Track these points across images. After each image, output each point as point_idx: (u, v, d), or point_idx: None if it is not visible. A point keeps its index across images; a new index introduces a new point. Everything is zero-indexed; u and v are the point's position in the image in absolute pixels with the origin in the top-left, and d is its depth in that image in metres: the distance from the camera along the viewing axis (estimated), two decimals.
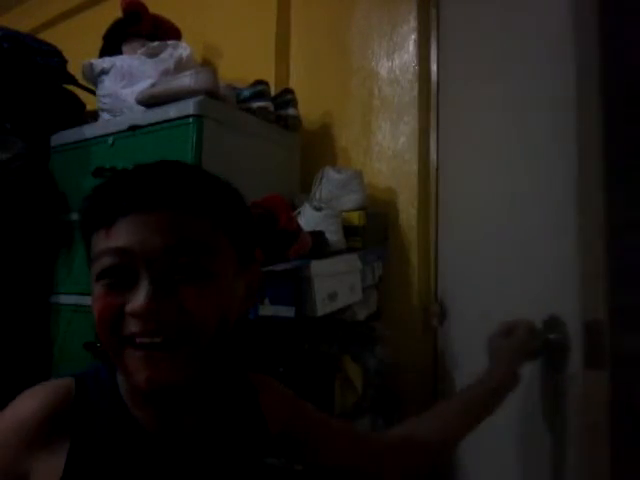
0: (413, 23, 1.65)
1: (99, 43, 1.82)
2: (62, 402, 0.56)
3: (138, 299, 0.51)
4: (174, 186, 0.55)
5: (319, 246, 1.31)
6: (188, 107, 1.33)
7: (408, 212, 1.61)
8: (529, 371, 0.88)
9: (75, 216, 1.48)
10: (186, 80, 1.38)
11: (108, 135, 1.49)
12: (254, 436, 0.66)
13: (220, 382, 0.65)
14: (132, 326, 0.52)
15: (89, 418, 0.56)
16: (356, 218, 1.50)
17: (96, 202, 0.56)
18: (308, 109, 1.78)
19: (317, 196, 1.58)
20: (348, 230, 1.46)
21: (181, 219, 0.54)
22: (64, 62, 1.79)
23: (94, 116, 1.67)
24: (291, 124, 1.66)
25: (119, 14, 1.78)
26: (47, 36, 2.06)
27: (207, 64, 1.95)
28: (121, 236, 0.52)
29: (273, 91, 1.66)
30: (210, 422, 0.62)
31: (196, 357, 0.55)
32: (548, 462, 0.88)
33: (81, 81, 1.73)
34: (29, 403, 0.55)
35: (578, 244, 0.76)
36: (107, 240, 0.53)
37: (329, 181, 1.57)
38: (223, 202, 0.58)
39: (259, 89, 1.55)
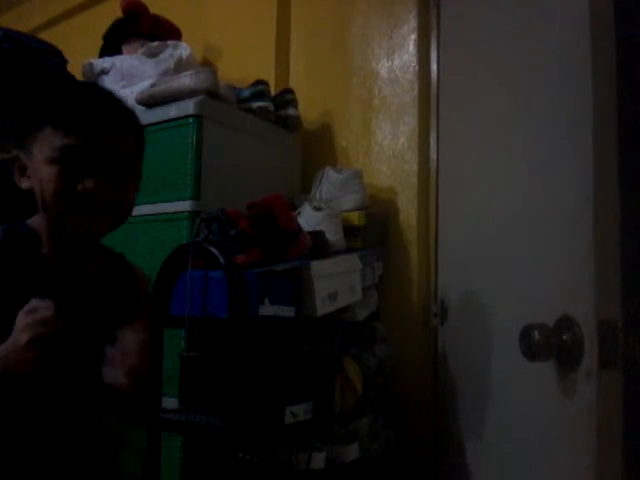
0: (413, 23, 1.65)
1: (99, 43, 1.82)
2: None
3: (89, 183, 0.75)
4: (116, 112, 0.80)
5: (319, 246, 1.31)
6: (188, 107, 1.33)
7: (408, 212, 1.61)
8: (542, 371, 0.88)
9: None
10: (186, 80, 1.38)
11: None
12: (128, 288, 0.90)
13: (108, 251, 0.92)
14: (81, 199, 0.76)
15: (11, 255, 0.78)
16: (356, 218, 1.50)
17: (63, 107, 0.77)
18: (308, 109, 1.78)
19: (317, 196, 1.58)
20: (348, 230, 1.46)
21: (118, 135, 0.79)
22: (64, 62, 1.79)
23: None
24: (291, 124, 1.66)
25: (119, 14, 1.78)
26: (47, 36, 2.06)
27: (207, 64, 1.95)
28: (79, 140, 0.75)
29: (273, 91, 1.66)
30: (97, 272, 0.87)
31: (115, 223, 0.82)
32: (559, 463, 0.88)
33: None
34: None
35: (592, 244, 0.76)
36: (66, 139, 0.74)
37: (329, 181, 1.57)
38: (136, 120, 0.85)
39: (259, 89, 1.56)
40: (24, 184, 0.81)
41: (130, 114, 0.84)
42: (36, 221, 0.83)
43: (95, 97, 0.81)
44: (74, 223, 0.77)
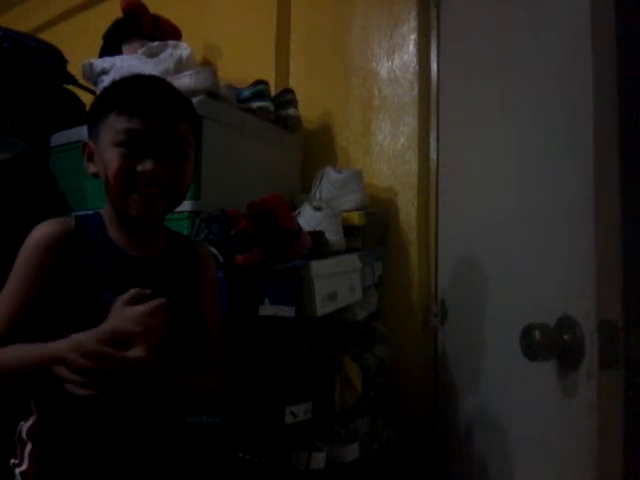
0: (413, 23, 1.65)
1: (99, 43, 1.82)
2: (65, 228, 0.84)
3: (149, 164, 0.81)
4: (174, 100, 0.86)
5: (319, 246, 1.31)
6: None
7: (408, 212, 1.61)
8: (542, 371, 0.88)
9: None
10: (186, 80, 1.38)
11: None
12: (193, 273, 0.95)
13: (173, 233, 0.99)
14: (141, 179, 0.82)
15: (82, 239, 0.85)
16: (356, 218, 1.50)
17: (127, 95, 0.83)
18: (308, 109, 1.78)
19: (317, 196, 1.58)
20: (348, 230, 1.46)
21: (177, 121, 0.85)
22: (64, 62, 1.79)
23: None
24: (291, 124, 1.66)
25: (119, 14, 1.78)
26: (47, 36, 2.06)
27: (207, 64, 1.95)
28: (142, 124, 0.81)
29: (273, 91, 1.66)
30: (163, 255, 0.92)
31: (171, 205, 0.88)
32: (559, 463, 0.88)
33: (81, 81, 1.73)
34: (43, 228, 0.83)
35: (593, 243, 0.76)
36: (130, 122, 0.81)
37: (329, 181, 1.57)
38: (193, 109, 0.91)
39: (259, 89, 1.55)
40: (91, 169, 0.88)
41: (187, 102, 0.90)
42: (104, 209, 0.90)
43: (156, 86, 0.87)
44: (134, 203, 0.83)
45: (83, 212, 0.94)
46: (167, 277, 0.89)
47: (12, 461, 0.84)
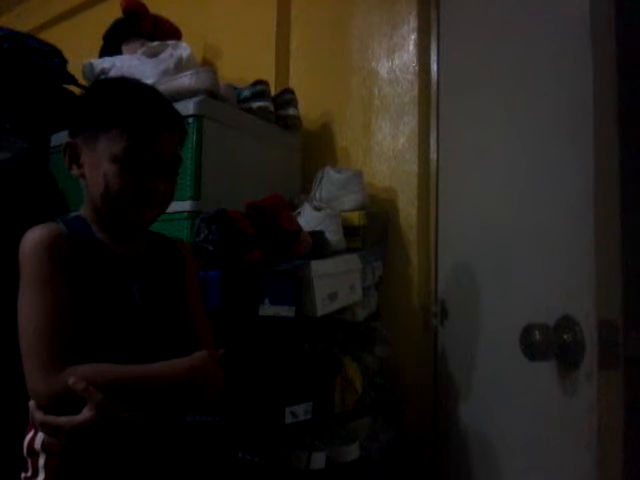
0: (413, 23, 1.65)
1: (99, 43, 1.82)
2: (59, 230, 0.84)
3: (149, 182, 0.85)
4: (174, 115, 0.91)
5: (319, 246, 1.31)
6: (188, 107, 1.33)
7: (408, 212, 1.61)
8: (542, 371, 0.88)
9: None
10: (186, 80, 1.38)
11: None
12: (176, 268, 0.98)
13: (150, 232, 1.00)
14: (141, 195, 0.86)
15: (75, 240, 0.85)
16: (356, 218, 1.50)
17: (132, 113, 0.85)
18: (308, 109, 1.78)
19: (317, 196, 1.58)
20: (348, 230, 1.46)
21: (175, 142, 0.90)
22: (64, 62, 1.79)
23: None
24: (291, 124, 1.66)
25: (119, 14, 1.78)
26: (47, 36, 2.06)
27: (207, 64, 1.95)
28: (146, 144, 0.84)
29: (273, 91, 1.66)
30: (147, 253, 0.95)
31: (160, 213, 0.92)
32: (559, 463, 0.88)
33: (81, 81, 1.73)
34: (38, 231, 0.83)
35: (593, 243, 0.76)
36: (135, 142, 0.83)
37: (329, 181, 1.57)
38: (185, 125, 0.95)
39: (259, 89, 1.55)
40: (75, 171, 0.89)
41: (180, 117, 0.93)
42: (84, 211, 0.91)
43: (156, 103, 0.89)
44: (132, 213, 0.87)
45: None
46: (155, 273, 0.93)
47: (23, 475, 0.82)
